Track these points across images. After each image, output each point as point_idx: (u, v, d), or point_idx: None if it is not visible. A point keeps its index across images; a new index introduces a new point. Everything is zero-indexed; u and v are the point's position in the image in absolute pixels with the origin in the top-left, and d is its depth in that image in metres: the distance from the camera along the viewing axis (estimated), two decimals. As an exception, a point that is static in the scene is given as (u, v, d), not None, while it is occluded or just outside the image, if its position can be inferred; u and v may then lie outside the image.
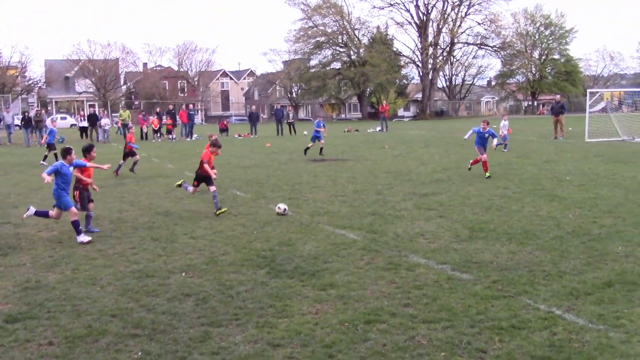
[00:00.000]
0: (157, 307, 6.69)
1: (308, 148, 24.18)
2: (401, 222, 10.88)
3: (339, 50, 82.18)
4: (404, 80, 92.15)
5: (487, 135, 16.82)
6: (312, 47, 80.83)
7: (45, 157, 23.21)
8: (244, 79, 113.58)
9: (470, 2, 79.50)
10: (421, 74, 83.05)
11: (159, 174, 19.41)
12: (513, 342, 5.54)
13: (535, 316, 6.14)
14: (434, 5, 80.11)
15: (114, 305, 6.78)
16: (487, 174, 16.43)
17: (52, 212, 10.28)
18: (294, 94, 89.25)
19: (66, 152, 10.21)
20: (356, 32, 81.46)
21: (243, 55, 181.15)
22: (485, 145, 16.88)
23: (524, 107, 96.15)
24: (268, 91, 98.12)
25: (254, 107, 49.55)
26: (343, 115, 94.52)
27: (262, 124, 61.74)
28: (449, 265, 8.08)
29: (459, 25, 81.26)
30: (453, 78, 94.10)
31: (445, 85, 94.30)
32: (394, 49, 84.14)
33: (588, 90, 36.52)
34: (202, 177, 12.33)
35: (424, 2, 79.25)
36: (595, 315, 6.13)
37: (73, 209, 10.00)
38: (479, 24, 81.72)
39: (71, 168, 10.23)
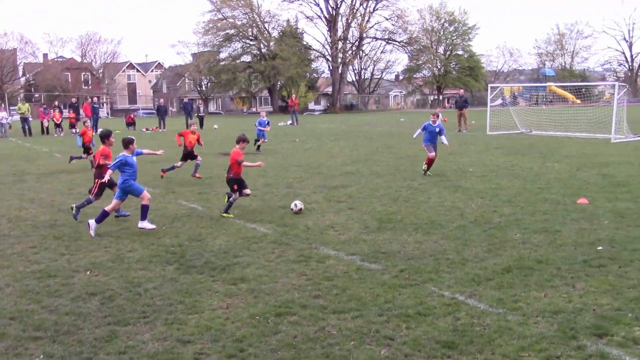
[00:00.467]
0: (60, 307, 6.44)
1: (259, 144, 23.46)
2: (311, 215, 10.97)
3: (249, 43, 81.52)
4: (314, 74, 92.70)
5: (437, 129, 15.67)
6: (221, 39, 79.74)
7: None
8: (152, 71, 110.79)
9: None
10: (331, 67, 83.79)
11: (61, 169, 18.64)
12: (419, 328, 5.73)
13: (440, 302, 6.37)
14: (343, 0, 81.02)
15: (12, 307, 6.48)
16: (428, 172, 15.52)
17: (109, 207, 10.10)
18: (203, 87, 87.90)
19: (128, 143, 10.12)
20: (266, 25, 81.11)
21: (150, 47, 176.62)
22: (435, 143, 15.72)
23: (430, 101, 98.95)
24: (177, 84, 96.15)
25: (162, 100, 48.40)
26: (254, 109, 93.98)
27: (171, 117, 60.57)
28: (358, 256, 8.23)
29: (368, 20, 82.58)
30: (362, 72, 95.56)
31: (354, 79, 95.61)
32: (304, 43, 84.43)
33: (489, 85, 37.99)
34: (237, 180, 11.26)
35: (332, -4, 79.99)
36: (495, 299, 6.43)
37: (145, 193, 10.11)
38: (387, 19, 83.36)
39: (134, 157, 10.22)
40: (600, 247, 8.31)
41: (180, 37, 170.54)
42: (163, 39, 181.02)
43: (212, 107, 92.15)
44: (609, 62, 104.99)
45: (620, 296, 6.43)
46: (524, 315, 5.96)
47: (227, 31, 79.18)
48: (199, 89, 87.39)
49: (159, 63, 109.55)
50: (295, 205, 11.26)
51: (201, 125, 40.58)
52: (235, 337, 5.61)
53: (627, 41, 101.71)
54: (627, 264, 7.53)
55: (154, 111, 69.07)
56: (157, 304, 6.49)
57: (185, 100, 50.43)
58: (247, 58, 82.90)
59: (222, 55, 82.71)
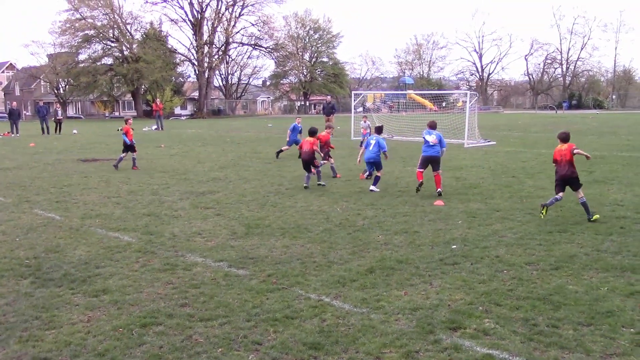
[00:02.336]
0: None
1: (281, 151, 22.07)
2: (178, 222, 10.78)
3: (110, 45, 78.35)
4: (180, 78, 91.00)
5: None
6: (80, 40, 76.00)
7: None
8: (3, 72, 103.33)
9: (243, 3, 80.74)
10: (197, 72, 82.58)
11: None
12: (287, 331, 5.81)
13: (307, 305, 6.49)
14: (208, 3, 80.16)
15: None
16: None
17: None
18: (61, 89, 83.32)
19: (379, 130, 14.79)
20: (128, 27, 78.36)
21: (1, 46, 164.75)
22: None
23: (297, 107, 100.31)
24: (31, 86, 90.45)
25: (14, 103, 45.26)
26: (117, 113, 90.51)
27: (25, 122, 56.90)
28: (225, 262, 8.20)
29: (234, 25, 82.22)
30: (229, 77, 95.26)
31: (222, 84, 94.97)
32: (169, 46, 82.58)
33: (352, 92, 39.21)
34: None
35: (198, 0, 78.89)
36: (359, 299, 6.66)
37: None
38: (253, 24, 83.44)
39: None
40: (455, 246, 8.86)
41: (34, 37, 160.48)
42: (15, 38, 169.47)
43: (71, 111, 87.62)
44: (462, 72, 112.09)
45: (472, 291, 6.89)
46: (386, 314, 6.23)
47: (86, 32, 75.62)
48: (56, 92, 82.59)
49: (11, 64, 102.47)
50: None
51: (59, 129, 38.48)
52: (97, 351, 5.39)
53: (477, 52, 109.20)
54: (478, 261, 8.09)
55: (5, 115, 64.47)
56: (10, 321, 6.10)
57: (40, 103, 47.59)
58: (108, 60, 79.65)
59: (82, 57, 78.86)
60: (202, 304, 6.55)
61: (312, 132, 15.22)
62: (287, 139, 22.51)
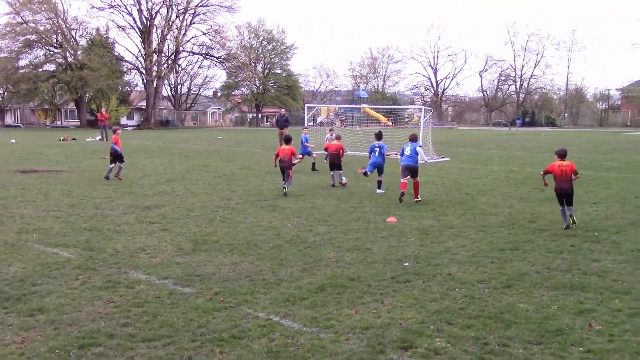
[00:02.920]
0: None
1: (314, 164, 22.53)
2: (121, 238, 10.59)
3: (53, 51, 76.70)
4: (127, 87, 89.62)
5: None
6: (21, 45, 74.14)
7: None
8: None
9: (195, 11, 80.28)
10: (145, 81, 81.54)
11: None
12: (233, 352, 5.76)
13: (255, 324, 6.45)
14: (158, 11, 79.36)
15: None
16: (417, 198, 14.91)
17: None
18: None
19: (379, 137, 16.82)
20: (73, 32, 76.87)
21: None
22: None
23: (249, 119, 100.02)
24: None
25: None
26: (59, 122, 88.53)
27: (-41, 129, 55.15)
28: (171, 279, 8.09)
29: (184, 34, 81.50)
30: (179, 87, 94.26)
31: (170, 94, 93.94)
32: (116, 54, 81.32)
33: (306, 105, 39.30)
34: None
35: (147, 7, 78.04)
36: (309, 318, 6.66)
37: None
38: (204, 33, 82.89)
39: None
40: (407, 264, 8.96)
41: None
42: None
43: (9, 119, 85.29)
44: (417, 87, 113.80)
45: (423, 309, 6.97)
46: (336, 333, 6.24)
47: (28, 37, 73.87)
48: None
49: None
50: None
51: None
52: (31, 374, 5.24)
53: (432, 68, 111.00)
54: (430, 279, 8.19)
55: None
56: (-63, 343, 5.87)
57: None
58: (51, 67, 77.94)
59: (22, 62, 76.88)
60: (145, 324, 6.44)
61: (288, 140, 16.86)
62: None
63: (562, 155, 11.90)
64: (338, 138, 19.58)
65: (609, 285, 7.94)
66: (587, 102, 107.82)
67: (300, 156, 18.52)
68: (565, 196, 11.76)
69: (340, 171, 18.11)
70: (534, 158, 28.82)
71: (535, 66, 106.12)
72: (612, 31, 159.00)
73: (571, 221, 11.69)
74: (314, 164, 22.67)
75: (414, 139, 15.43)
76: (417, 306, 7.09)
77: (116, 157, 18.88)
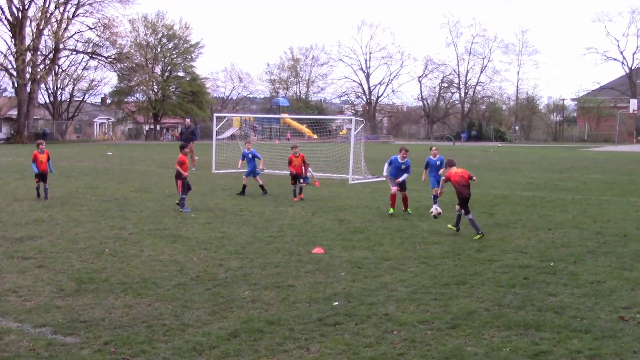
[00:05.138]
0: None
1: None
2: (-14, 277, 10.23)
3: None
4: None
5: (403, 166, 17.77)
6: None
7: None
8: None
9: (79, 2, 78.98)
10: (16, 85, 79.32)
11: None
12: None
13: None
14: (33, 0, 77.68)
15: None
16: (408, 210, 17.83)
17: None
18: None
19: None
20: None
21: None
22: (399, 177, 17.60)
23: (145, 132, 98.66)
24: None
25: None
26: None
27: None
28: (49, 327, 7.88)
29: (66, 28, 79.89)
30: (59, 93, 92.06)
31: (48, 101, 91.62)
32: (-21, 51, 78.94)
33: (215, 115, 39.10)
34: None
35: (18, -5, 76.26)
36: (220, 371, 6.60)
37: None
38: (91, 28, 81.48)
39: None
40: (336, 303, 9.03)
41: None
42: None
43: None
44: (347, 94, 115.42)
45: (356, 357, 7.04)
46: (253, 387, 6.21)
47: None
48: None
49: None
50: (436, 209, 15.55)
51: None
52: None
53: (364, 72, 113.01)
54: (363, 320, 8.29)
55: None
56: None
57: None
58: None
59: None
60: (17, 383, 6.24)
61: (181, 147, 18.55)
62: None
63: (453, 164, 15.03)
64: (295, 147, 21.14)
65: (567, 323, 8.25)
66: (540, 114, 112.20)
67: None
68: (466, 201, 14.42)
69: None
70: (482, 177, 29.67)
71: (481, 72, 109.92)
72: (565, 34, 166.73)
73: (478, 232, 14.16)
74: (261, 186, 22.27)
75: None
76: (348, 353, 7.14)
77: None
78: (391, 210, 17.51)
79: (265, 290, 9.72)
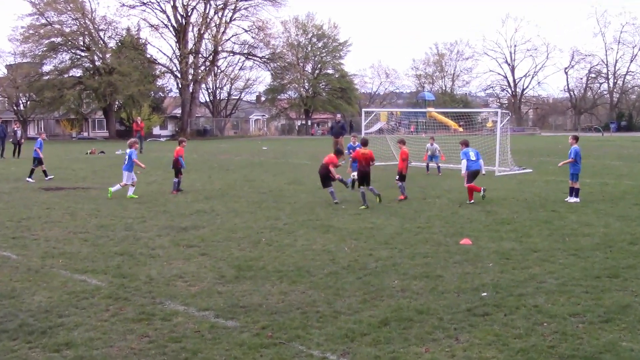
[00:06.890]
0: None
1: (354, 181, 20.34)
2: (156, 263, 10.74)
3: (79, 55, 78.98)
4: (160, 93, 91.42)
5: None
6: (45, 49, 76.61)
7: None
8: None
9: (235, 7, 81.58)
10: (180, 85, 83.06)
11: None
12: (284, 396, 5.73)
13: (309, 364, 6.42)
14: (195, 7, 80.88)
15: None
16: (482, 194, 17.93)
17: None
18: (21, 106, 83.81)
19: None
20: (101, 33, 79.02)
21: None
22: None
23: (297, 127, 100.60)
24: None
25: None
26: (85, 134, 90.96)
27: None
28: (212, 311, 8.14)
29: (224, 32, 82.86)
30: (218, 92, 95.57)
31: (208, 100, 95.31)
32: (148, 56, 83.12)
33: (363, 110, 39.18)
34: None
35: (182, 3, 79.62)
36: (371, 357, 6.59)
37: None
38: (246, 31, 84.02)
39: None
40: (485, 294, 8.79)
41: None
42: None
43: (32, 131, 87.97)
44: (492, 87, 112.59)
45: (506, 347, 6.82)
46: (403, 375, 6.15)
47: (53, 39, 76.30)
48: (15, 108, 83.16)
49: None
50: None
51: (18, 153, 38.44)
52: (57, 418, 5.33)
53: (509, 65, 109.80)
54: (512, 312, 8.02)
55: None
56: (-45, 381, 6.04)
57: (-3, 122, 47.67)
58: (77, 72, 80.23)
59: (46, 68, 79.46)
60: (184, 362, 6.49)
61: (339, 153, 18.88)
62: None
63: (365, 143, 17.59)
64: (402, 142, 20.04)
65: None
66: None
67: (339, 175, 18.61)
68: (365, 178, 16.85)
69: (371, 187, 17.53)
70: (633, 168, 28.06)
71: (631, 61, 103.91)
72: None
73: (378, 200, 17.11)
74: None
75: (466, 143, 18.57)
76: (498, 344, 6.94)
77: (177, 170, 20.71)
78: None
79: (414, 279, 9.62)
